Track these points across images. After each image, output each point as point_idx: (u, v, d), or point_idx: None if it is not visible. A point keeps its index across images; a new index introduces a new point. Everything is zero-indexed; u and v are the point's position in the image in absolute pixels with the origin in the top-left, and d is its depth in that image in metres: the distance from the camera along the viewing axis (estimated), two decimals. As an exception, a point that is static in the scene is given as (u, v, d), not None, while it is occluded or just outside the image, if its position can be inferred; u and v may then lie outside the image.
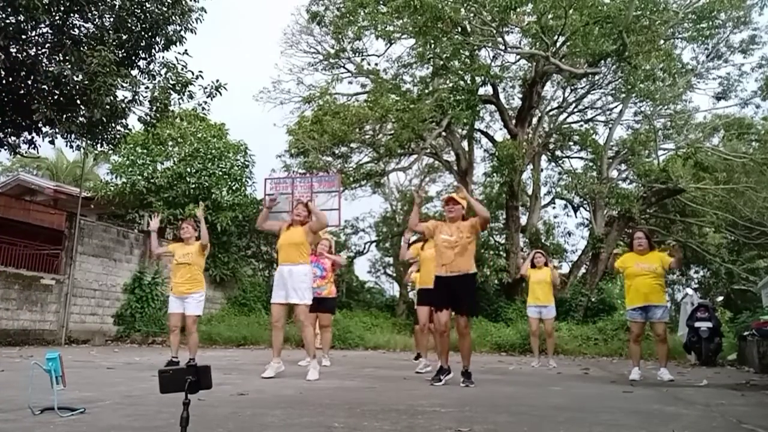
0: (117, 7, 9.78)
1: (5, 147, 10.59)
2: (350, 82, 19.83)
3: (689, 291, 12.28)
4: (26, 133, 10.56)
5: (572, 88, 19.40)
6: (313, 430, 2.80)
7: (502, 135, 19.32)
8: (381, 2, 16.08)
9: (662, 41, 15.91)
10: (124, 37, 9.92)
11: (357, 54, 18.75)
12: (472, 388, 4.96)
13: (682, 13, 15.83)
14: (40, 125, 10.19)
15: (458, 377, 5.71)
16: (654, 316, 6.06)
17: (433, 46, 15.99)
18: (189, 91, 10.70)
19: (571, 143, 20.76)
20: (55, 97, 9.61)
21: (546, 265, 8.67)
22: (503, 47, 16.47)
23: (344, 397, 4.20)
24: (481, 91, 17.26)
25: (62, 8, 9.35)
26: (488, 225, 5.41)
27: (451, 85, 16.82)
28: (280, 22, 44.89)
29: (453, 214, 5.30)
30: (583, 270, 17.73)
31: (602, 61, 16.55)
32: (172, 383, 2.26)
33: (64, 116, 9.57)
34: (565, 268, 19.54)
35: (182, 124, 16.99)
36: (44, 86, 9.50)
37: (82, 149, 12.35)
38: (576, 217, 21.54)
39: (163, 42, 10.35)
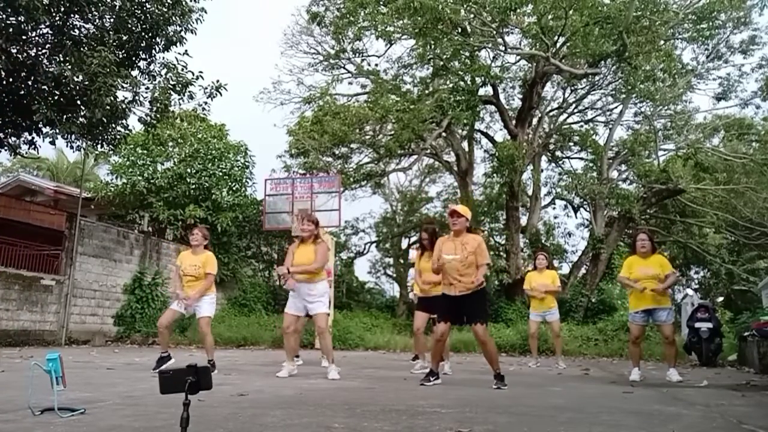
0: (117, 7, 9.79)
1: (6, 147, 10.60)
2: (350, 83, 19.89)
3: (689, 291, 12.30)
4: (27, 134, 10.57)
5: (572, 88, 19.40)
6: (313, 431, 2.80)
7: (502, 135, 19.36)
8: (381, 3, 16.08)
9: (662, 42, 15.91)
10: (125, 37, 9.93)
11: (357, 54, 18.77)
12: (472, 389, 4.96)
13: (683, 14, 15.82)
14: (40, 126, 10.20)
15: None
16: (659, 319, 6.05)
17: (433, 46, 15.99)
18: (189, 91, 10.71)
19: (571, 144, 20.77)
20: (56, 97, 9.62)
21: (548, 267, 8.63)
22: (503, 48, 16.47)
23: (344, 397, 4.20)
24: (481, 91, 17.27)
25: (62, 9, 9.36)
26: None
27: (451, 85, 16.83)
28: (280, 23, 44.95)
29: (457, 227, 5.25)
30: (583, 270, 17.73)
31: (602, 62, 16.55)
32: (172, 384, 2.26)
33: (65, 117, 9.58)
34: (566, 269, 19.56)
35: (182, 125, 17.00)
36: (44, 87, 9.51)
37: (82, 150, 12.36)
38: (576, 217, 21.58)
39: (163, 42, 10.36)
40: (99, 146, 11.22)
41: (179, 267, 6.28)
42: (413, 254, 7.19)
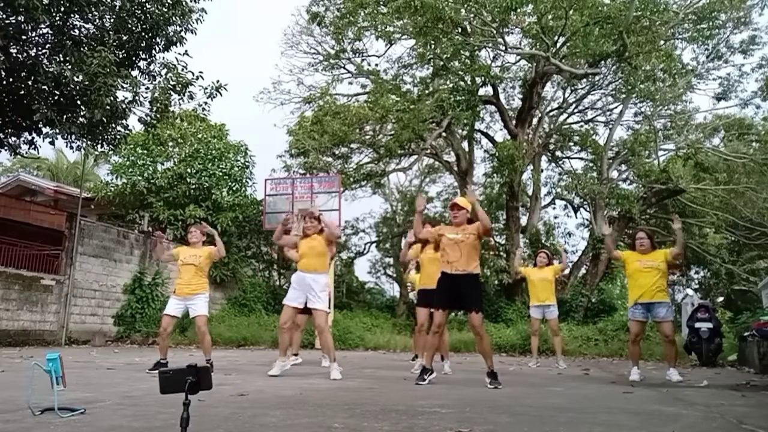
0: (117, 7, 9.80)
1: (5, 147, 10.61)
2: (350, 83, 19.89)
3: (690, 292, 12.28)
4: (26, 134, 10.58)
5: (572, 88, 19.40)
6: (313, 431, 2.80)
7: (503, 135, 19.36)
8: (381, 3, 16.08)
9: (662, 42, 15.90)
10: (125, 37, 9.93)
11: (357, 54, 18.77)
12: (472, 389, 4.96)
13: (683, 14, 15.82)
14: (40, 126, 10.20)
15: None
16: (658, 315, 6.01)
17: (433, 46, 15.98)
18: (189, 91, 10.72)
19: (571, 144, 20.76)
20: (56, 97, 9.62)
21: (549, 265, 8.64)
22: (503, 48, 16.47)
23: (344, 397, 4.20)
24: (482, 91, 17.26)
25: (62, 9, 9.36)
26: (489, 234, 5.43)
27: (451, 85, 16.83)
28: (280, 23, 44.95)
29: (458, 220, 5.34)
30: (583, 270, 17.73)
31: (602, 62, 16.55)
32: (172, 384, 2.26)
33: (65, 117, 9.58)
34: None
35: (182, 125, 17.00)
36: (44, 87, 9.51)
37: (82, 150, 12.36)
38: (576, 217, 21.57)
39: (163, 43, 10.36)
40: (99, 146, 11.23)
41: (175, 256, 6.30)
42: (411, 253, 7.14)
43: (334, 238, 6.14)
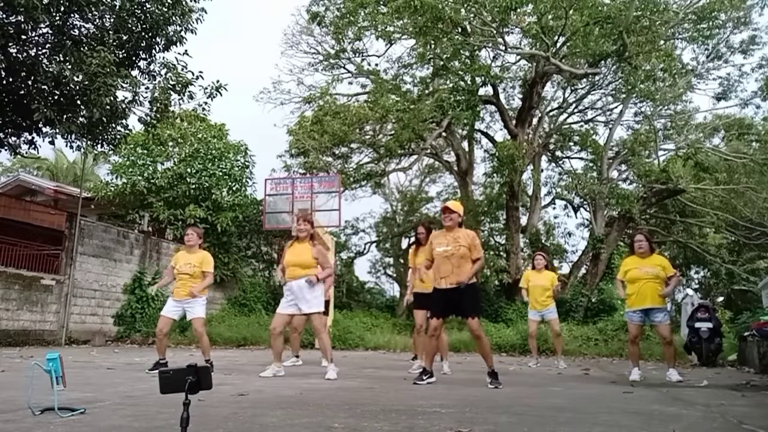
0: (117, 7, 9.80)
1: (5, 147, 10.61)
2: (350, 83, 19.92)
3: (689, 291, 12.27)
4: (26, 134, 10.58)
5: (572, 88, 19.41)
6: (313, 431, 2.80)
7: (503, 135, 19.38)
8: (381, 3, 16.09)
9: (662, 42, 15.91)
10: (125, 37, 9.94)
11: (357, 54, 18.79)
12: (472, 389, 4.96)
13: (683, 14, 15.83)
14: (40, 125, 10.20)
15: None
16: (655, 319, 6.02)
17: (433, 46, 15.99)
18: (189, 91, 10.73)
19: (571, 144, 20.78)
20: (55, 97, 9.63)
21: (547, 267, 8.60)
22: (503, 48, 16.47)
23: (344, 397, 4.20)
24: (482, 91, 17.27)
25: (62, 9, 9.36)
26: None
27: (451, 85, 16.83)
28: (280, 23, 44.96)
29: (450, 223, 5.33)
30: (583, 270, 17.73)
31: (602, 62, 16.56)
32: (172, 384, 2.26)
33: (64, 116, 9.58)
34: (566, 269, 19.55)
35: (182, 125, 17.01)
36: (44, 86, 9.51)
37: (82, 150, 12.36)
38: (576, 217, 21.59)
39: (163, 42, 10.37)
40: (99, 146, 11.24)
41: (174, 266, 6.28)
42: (410, 261, 7.13)
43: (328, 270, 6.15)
